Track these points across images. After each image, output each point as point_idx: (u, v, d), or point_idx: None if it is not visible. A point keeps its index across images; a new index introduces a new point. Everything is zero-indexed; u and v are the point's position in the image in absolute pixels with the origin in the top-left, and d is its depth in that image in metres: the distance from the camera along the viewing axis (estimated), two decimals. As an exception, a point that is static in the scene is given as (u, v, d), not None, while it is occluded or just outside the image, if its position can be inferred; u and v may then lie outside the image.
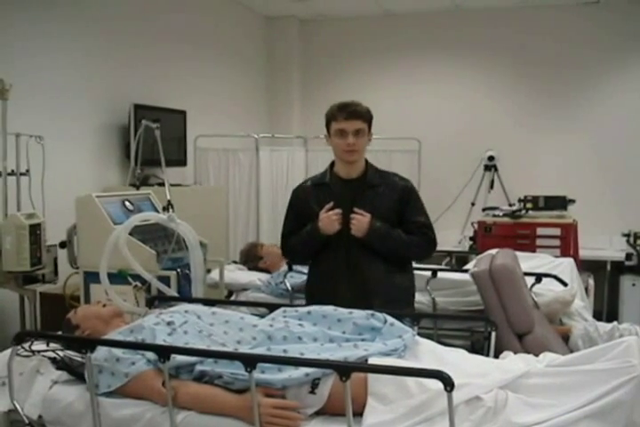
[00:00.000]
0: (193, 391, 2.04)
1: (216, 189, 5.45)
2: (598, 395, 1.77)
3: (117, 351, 2.15)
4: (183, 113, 5.35)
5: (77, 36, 4.50)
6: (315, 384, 1.98)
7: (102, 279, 2.86)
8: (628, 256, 5.72)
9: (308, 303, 2.86)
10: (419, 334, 2.35)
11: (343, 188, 3.00)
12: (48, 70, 4.24)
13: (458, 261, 5.31)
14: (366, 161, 3.05)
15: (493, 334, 2.58)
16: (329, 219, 2.89)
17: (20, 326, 3.77)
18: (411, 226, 2.98)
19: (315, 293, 3.09)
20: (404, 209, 2.98)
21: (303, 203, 3.07)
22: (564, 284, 3.55)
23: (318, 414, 1.98)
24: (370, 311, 2.30)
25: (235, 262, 4.74)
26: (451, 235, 6.14)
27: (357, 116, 2.88)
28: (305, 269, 4.09)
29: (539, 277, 3.48)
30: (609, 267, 5.82)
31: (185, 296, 3.04)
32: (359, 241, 2.92)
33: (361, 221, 2.88)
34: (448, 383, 1.68)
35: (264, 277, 4.32)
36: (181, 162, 5.38)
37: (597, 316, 4.24)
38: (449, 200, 6.35)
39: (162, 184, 3.71)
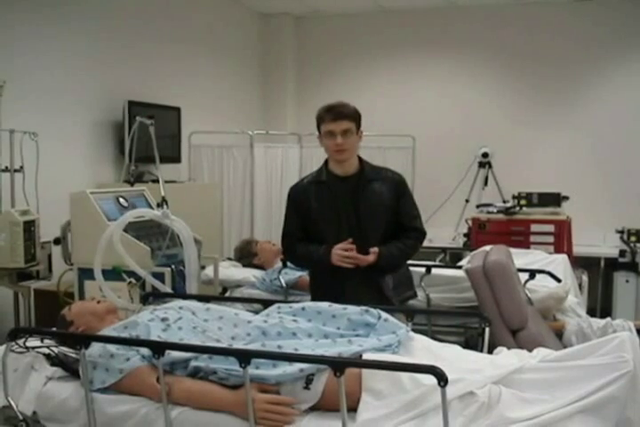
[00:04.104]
0: (187, 387, 2.04)
1: (210, 186, 5.45)
2: (591, 390, 1.78)
3: (112, 347, 2.15)
4: (177, 110, 5.35)
5: (72, 33, 4.49)
6: (309, 380, 1.98)
7: (96, 276, 2.87)
8: (622, 253, 5.74)
9: (314, 298, 2.94)
10: (413, 330, 2.36)
11: (341, 185, 3.04)
12: (42, 67, 4.23)
13: (452, 257, 5.33)
14: (360, 158, 3.10)
15: (487, 329, 2.59)
16: (339, 256, 2.91)
17: (15, 323, 3.77)
18: (404, 219, 3.08)
19: (318, 289, 3.11)
20: (398, 203, 3.07)
21: (303, 201, 3.08)
22: (558, 280, 3.57)
23: (313, 409, 1.98)
24: (364, 307, 2.31)
25: (229, 259, 4.73)
26: (445, 231, 6.15)
27: (343, 116, 2.93)
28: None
29: (532, 274, 3.49)
30: (602, 263, 5.84)
31: (179, 293, 3.05)
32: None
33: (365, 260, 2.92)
34: (442, 379, 1.69)
35: (258, 273, 4.31)
36: (176, 158, 5.37)
37: (591, 312, 4.26)
38: (443, 197, 6.34)
39: (156, 181, 3.71)
